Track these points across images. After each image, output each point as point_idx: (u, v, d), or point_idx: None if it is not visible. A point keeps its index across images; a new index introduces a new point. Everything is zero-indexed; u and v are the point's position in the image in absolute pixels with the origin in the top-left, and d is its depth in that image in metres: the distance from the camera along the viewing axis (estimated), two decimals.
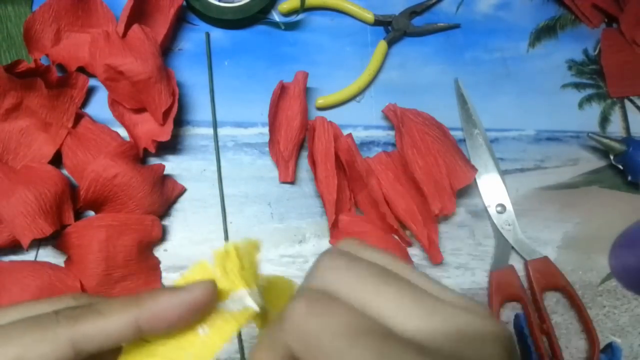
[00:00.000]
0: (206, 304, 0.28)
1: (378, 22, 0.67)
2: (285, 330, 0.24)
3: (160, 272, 0.57)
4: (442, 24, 0.68)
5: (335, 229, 0.59)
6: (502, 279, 0.59)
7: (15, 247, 0.54)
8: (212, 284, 0.29)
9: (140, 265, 0.55)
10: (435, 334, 0.23)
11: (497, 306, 0.58)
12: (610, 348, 0.58)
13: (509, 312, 0.59)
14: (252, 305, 0.30)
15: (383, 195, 0.59)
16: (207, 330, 0.29)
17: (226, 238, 0.58)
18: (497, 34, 0.69)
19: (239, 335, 0.55)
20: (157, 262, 0.57)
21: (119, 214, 0.55)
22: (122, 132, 0.59)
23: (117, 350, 0.29)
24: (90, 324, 0.27)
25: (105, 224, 0.54)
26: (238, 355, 0.55)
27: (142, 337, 0.28)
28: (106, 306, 0.28)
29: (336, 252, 0.27)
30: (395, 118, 0.61)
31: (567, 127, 0.67)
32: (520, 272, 0.60)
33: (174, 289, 0.28)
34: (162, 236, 0.57)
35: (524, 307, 0.59)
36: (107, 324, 0.27)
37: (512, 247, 0.61)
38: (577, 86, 0.69)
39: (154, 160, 0.60)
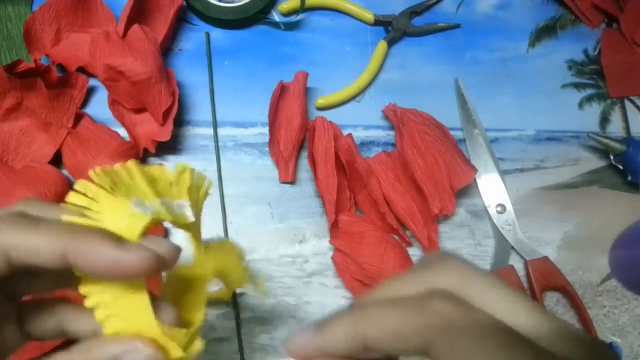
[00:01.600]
0: (141, 273, 0.28)
1: (378, 22, 0.67)
2: (427, 316, 0.25)
3: (160, 275, 0.56)
4: (442, 24, 0.68)
5: (335, 228, 0.59)
6: (502, 279, 0.59)
7: None
8: (156, 256, 0.28)
9: None
10: (547, 335, 0.25)
11: None
12: (610, 348, 0.58)
13: None
14: (190, 216, 0.32)
15: (383, 195, 0.59)
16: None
17: (226, 238, 0.58)
18: (497, 34, 0.69)
19: (237, 318, 0.55)
20: None
21: None
22: (122, 132, 0.59)
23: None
24: (24, 235, 0.27)
25: None
26: (237, 349, 0.55)
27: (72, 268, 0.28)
28: (44, 225, 0.28)
29: (455, 258, 0.29)
30: (395, 118, 0.61)
31: (567, 127, 0.67)
32: (520, 272, 0.60)
33: (115, 240, 0.28)
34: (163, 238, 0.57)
35: None
36: (39, 238, 0.27)
37: (512, 247, 0.61)
38: (577, 86, 0.69)
39: (154, 161, 0.60)
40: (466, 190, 0.62)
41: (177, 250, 0.30)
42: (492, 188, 0.63)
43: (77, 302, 0.31)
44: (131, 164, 0.32)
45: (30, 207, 0.30)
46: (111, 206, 0.29)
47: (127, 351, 0.28)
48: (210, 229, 0.59)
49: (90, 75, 0.59)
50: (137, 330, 0.29)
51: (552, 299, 0.60)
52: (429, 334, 0.24)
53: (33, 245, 0.27)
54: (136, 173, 0.31)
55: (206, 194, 0.37)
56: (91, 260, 0.27)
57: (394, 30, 0.67)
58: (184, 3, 0.63)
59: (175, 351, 0.29)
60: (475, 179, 0.63)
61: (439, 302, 0.25)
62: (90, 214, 0.29)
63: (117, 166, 0.31)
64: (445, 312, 0.25)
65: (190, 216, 0.33)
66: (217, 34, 0.65)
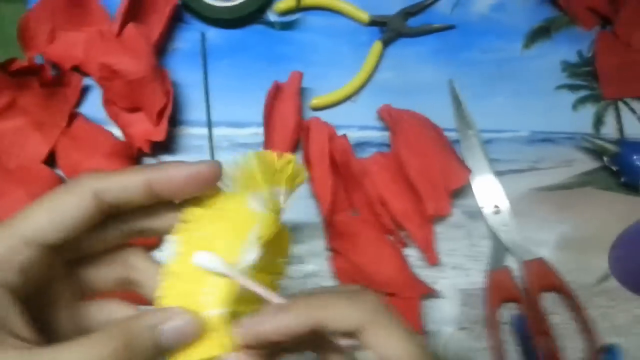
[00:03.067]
0: (210, 178, 0.32)
1: (373, 22, 0.67)
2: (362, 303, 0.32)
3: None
4: (437, 25, 0.68)
5: (330, 229, 0.59)
6: (499, 280, 0.59)
7: None
8: (218, 163, 0.33)
9: None
10: None
11: (494, 307, 0.58)
12: (608, 349, 0.58)
13: (507, 313, 0.59)
14: (282, 202, 0.35)
15: (378, 196, 0.59)
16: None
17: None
18: (492, 35, 0.69)
19: None
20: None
21: None
22: (117, 132, 0.58)
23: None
24: (110, 179, 0.31)
25: None
26: None
27: (157, 198, 0.32)
28: (127, 170, 0.32)
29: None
30: (389, 119, 0.61)
31: (561, 129, 0.67)
32: (516, 273, 0.60)
33: (182, 162, 0.32)
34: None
35: (521, 308, 0.59)
36: (123, 178, 0.31)
37: (508, 248, 0.61)
38: (572, 88, 0.69)
39: (148, 160, 0.60)
40: (462, 191, 0.62)
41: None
42: (487, 189, 0.63)
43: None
44: (252, 155, 0.35)
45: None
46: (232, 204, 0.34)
47: (165, 318, 0.30)
48: None
49: (85, 74, 0.59)
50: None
51: (549, 300, 0.60)
52: (363, 317, 0.31)
53: (122, 184, 0.31)
54: (256, 166, 0.35)
55: (301, 183, 0.39)
56: (170, 180, 0.31)
57: (389, 30, 0.67)
58: (179, 2, 0.63)
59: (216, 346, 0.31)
60: (470, 180, 0.63)
61: (369, 294, 0.32)
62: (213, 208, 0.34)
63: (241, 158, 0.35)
64: (375, 301, 0.32)
65: (282, 202, 0.36)
66: (212, 33, 0.65)
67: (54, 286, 0.32)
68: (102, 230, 0.33)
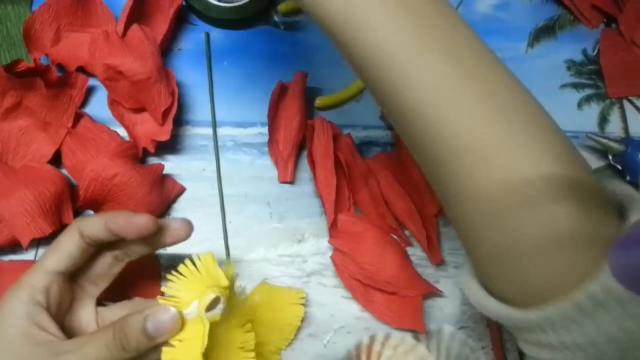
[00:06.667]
0: (143, 229, 0.46)
1: None
2: None
3: (160, 275, 0.57)
4: None
5: (334, 228, 0.59)
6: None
7: (14, 246, 0.54)
8: (151, 221, 0.46)
9: (140, 267, 0.55)
10: None
11: None
12: None
13: None
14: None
15: (382, 195, 0.59)
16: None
17: (225, 238, 0.58)
18: (496, 34, 0.69)
19: None
20: (157, 267, 0.57)
21: None
22: (122, 132, 0.59)
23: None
24: (87, 221, 0.46)
25: None
26: None
27: (116, 235, 0.46)
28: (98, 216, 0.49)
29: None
30: None
31: (565, 127, 0.66)
32: None
33: (129, 214, 0.47)
34: None
35: None
36: (94, 221, 0.46)
37: None
38: (576, 86, 0.69)
39: (153, 160, 0.60)
40: None
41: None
42: None
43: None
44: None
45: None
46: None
47: (152, 312, 0.43)
48: (210, 229, 0.59)
49: (90, 75, 0.59)
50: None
51: None
52: None
53: (92, 225, 0.46)
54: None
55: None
56: (117, 224, 0.46)
57: None
58: (184, 3, 0.63)
59: None
60: None
61: None
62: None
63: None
64: None
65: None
66: (216, 34, 0.65)
67: (72, 297, 0.48)
68: (101, 255, 0.49)
